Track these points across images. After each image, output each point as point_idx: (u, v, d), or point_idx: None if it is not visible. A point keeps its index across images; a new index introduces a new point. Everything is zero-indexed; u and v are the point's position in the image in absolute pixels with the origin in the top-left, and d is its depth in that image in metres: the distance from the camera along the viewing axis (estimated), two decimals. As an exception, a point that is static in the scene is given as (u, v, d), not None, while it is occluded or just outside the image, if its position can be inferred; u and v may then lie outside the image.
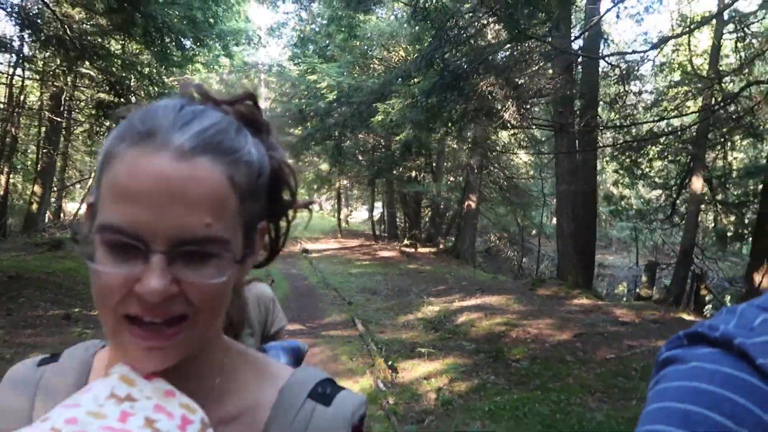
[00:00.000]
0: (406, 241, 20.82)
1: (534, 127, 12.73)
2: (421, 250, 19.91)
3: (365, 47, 15.60)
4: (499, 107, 7.49)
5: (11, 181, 17.20)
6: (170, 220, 0.52)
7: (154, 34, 9.99)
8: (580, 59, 11.99)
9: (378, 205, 27.00)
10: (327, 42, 16.04)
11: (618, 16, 13.53)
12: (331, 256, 18.20)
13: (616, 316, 8.26)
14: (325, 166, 20.21)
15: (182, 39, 11.63)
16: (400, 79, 7.81)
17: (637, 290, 13.99)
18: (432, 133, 10.76)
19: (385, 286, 12.19)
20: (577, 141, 11.61)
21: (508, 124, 8.32)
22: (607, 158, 14.87)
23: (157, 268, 0.52)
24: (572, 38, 11.71)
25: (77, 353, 0.71)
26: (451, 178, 21.52)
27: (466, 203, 19.47)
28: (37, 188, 15.49)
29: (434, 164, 20.35)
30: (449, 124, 8.38)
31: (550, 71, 10.24)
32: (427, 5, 5.66)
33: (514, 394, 4.79)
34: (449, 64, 6.00)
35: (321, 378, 0.69)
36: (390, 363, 5.89)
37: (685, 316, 8.98)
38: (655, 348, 5.76)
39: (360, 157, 19.44)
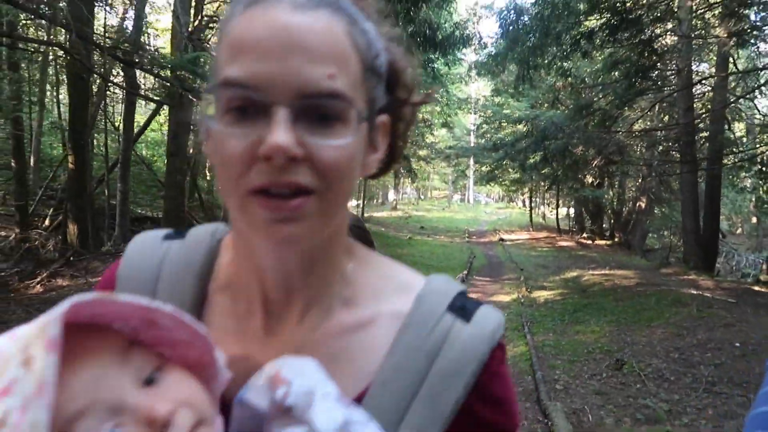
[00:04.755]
0: (585, 235, 25.50)
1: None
2: (598, 242, 24.45)
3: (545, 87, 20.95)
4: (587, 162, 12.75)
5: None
6: (292, 71, 0.51)
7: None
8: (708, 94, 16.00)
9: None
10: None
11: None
12: (521, 244, 23.82)
13: (699, 284, 12.76)
14: (516, 175, 25.89)
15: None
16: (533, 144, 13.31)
17: (758, 275, 17.26)
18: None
19: (552, 263, 17.58)
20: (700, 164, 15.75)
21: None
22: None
23: (281, 123, 0.50)
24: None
25: (204, 236, 0.71)
26: (638, 180, 25.47)
27: (638, 203, 23.61)
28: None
29: (609, 172, 24.65)
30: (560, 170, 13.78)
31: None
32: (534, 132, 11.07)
33: (579, 299, 10.36)
34: (549, 147, 11.32)
35: (458, 290, 0.66)
36: (528, 290, 11.75)
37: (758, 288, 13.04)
38: (671, 291, 10.67)
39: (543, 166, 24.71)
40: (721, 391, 5.21)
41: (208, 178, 26.64)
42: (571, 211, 30.74)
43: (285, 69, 0.51)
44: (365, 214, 26.89)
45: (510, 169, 25.14)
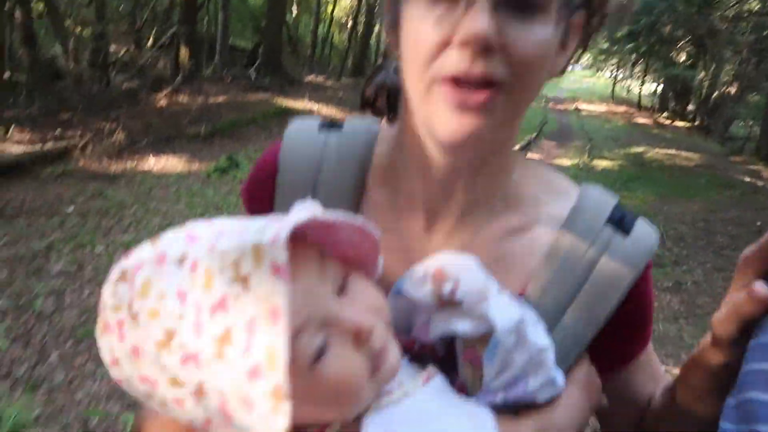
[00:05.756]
0: (665, 114, 25.06)
1: None
2: (677, 123, 24.08)
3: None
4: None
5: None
6: None
7: None
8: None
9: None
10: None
11: None
12: (596, 116, 23.81)
13: (759, 174, 13.11)
14: (605, 44, 25.06)
15: None
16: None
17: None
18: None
19: (622, 137, 17.91)
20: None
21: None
22: None
23: (482, 8, 0.48)
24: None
25: (360, 129, 0.71)
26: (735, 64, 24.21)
27: (726, 89, 22.78)
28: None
29: (705, 52, 23.48)
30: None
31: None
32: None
33: (635, 172, 11.16)
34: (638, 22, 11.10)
35: (614, 202, 0.66)
36: (590, 157, 12.55)
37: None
38: (726, 175, 11.24)
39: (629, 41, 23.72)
40: (724, 254, 6.25)
41: (293, 14, 27.34)
42: (660, 88, 29.69)
43: None
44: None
45: (598, 38, 24.22)
